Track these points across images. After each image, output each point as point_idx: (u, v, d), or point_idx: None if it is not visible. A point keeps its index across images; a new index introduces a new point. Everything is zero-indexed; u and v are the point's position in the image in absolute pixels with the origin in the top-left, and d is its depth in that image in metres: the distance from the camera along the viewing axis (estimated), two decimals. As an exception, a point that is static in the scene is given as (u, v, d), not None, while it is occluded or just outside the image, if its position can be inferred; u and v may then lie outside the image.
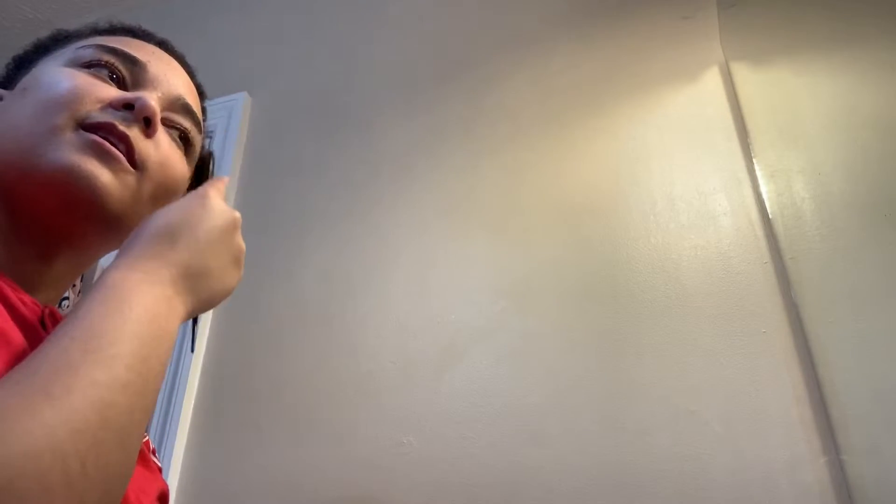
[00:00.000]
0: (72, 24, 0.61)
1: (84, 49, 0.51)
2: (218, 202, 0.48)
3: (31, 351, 0.38)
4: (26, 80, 0.50)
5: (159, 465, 0.56)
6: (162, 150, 0.51)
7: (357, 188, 1.32)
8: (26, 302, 0.43)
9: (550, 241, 1.12)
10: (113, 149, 0.47)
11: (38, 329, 0.42)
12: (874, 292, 0.72)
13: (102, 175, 0.46)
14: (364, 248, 1.25)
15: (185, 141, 0.55)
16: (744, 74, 1.10)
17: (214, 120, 1.51)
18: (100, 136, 0.46)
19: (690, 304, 0.99)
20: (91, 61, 0.50)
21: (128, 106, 0.48)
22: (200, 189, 0.48)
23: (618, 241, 1.07)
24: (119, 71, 0.51)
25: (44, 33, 0.56)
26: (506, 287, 1.11)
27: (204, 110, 0.62)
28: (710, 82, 1.14)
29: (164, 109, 0.53)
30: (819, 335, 0.88)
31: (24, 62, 0.55)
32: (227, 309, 1.28)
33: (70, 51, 0.51)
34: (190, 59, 0.61)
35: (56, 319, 0.47)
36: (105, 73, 0.50)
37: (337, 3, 1.62)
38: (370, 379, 1.11)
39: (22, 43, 0.56)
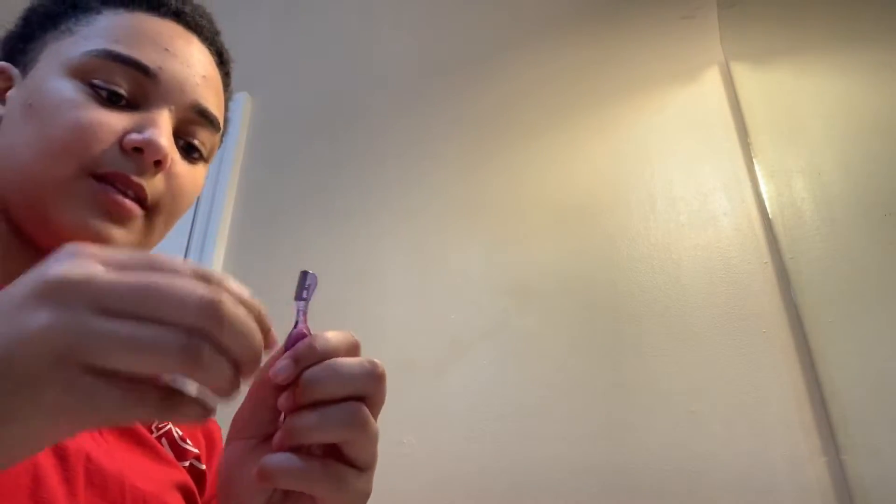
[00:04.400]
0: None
1: (93, 59, 0.47)
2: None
3: None
4: (32, 85, 0.47)
5: (194, 451, 0.52)
6: (174, 182, 0.50)
7: (357, 188, 1.32)
8: None
9: (551, 241, 1.12)
10: (126, 204, 0.46)
11: None
12: (874, 292, 0.72)
13: (116, 234, 0.46)
14: (364, 247, 1.25)
15: (200, 151, 0.53)
16: (744, 74, 1.10)
17: (214, 120, 1.52)
18: (114, 192, 0.45)
19: (690, 304, 0.99)
20: (99, 83, 0.47)
21: (137, 149, 0.46)
22: None
23: (618, 241, 1.07)
24: (128, 89, 0.48)
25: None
26: (506, 287, 1.11)
27: (227, 76, 0.58)
28: (710, 82, 1.14)
29: (177, 123, 0.50)
30: (819, 335, 0.88)
31: (28, 37, 0.51)
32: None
33: (76, 52, 0.47)
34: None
35: None
36: (113, 94, 0.47)
37: (336, 3, 1.62)
38: (370, 379, 1.11)
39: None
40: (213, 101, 0.54)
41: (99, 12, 0.50)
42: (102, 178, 0.45)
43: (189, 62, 0.51)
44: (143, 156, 0.46)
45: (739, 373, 0.92)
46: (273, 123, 1.51)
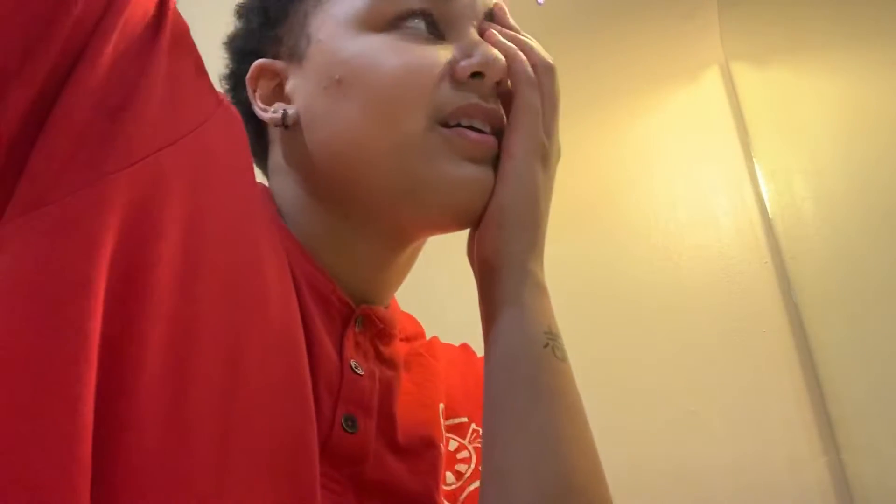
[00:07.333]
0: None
1: (382, 2, 0.40)
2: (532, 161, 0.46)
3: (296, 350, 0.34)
4: (324, 62, 0.41)
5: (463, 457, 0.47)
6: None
7: (357, 188, 1.32)
8: (333, 301, 0.41)
9: (550, 241, 1.11)
10: (488, 139, 0.41)
11: (322, 332, 0.39)
12: (874, 292, 0.72)
13: (487, 177, 0.41)
14: (364, 247, 1.25)
15: None
16: (744, 74, 1.10)
17: (214, 120, 1.51)
18: (471, 131, 0.40)
19: (690, 304, 0.99)
20: (399, 15, 0.40)
21: (476, 74, 0.40)
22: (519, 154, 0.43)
23: (618, 241, 1.07)
24: (428, 19, 0.41)
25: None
26: (506, 287, 1.11)
27: None
28: (710, 82, 1.14)
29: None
30: (819, 335, 0.88)
31: (272, 24, 0.45)
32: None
33: (359, 4, 0.41)
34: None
35: (372, 321, 0.44)
36: (421, 25, 0.40)
37: (337, 3, 1.62)
38: (370, 379, 1.11)
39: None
40: None
41: None
42: (452, 119, 0.40)
43: None
44: (483, 80, 0.40)
45: (739, 372, 0.92)
46: (273, 123, 1.51)
